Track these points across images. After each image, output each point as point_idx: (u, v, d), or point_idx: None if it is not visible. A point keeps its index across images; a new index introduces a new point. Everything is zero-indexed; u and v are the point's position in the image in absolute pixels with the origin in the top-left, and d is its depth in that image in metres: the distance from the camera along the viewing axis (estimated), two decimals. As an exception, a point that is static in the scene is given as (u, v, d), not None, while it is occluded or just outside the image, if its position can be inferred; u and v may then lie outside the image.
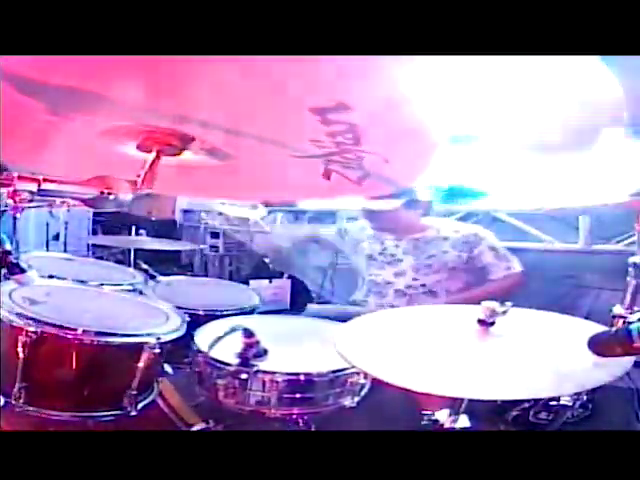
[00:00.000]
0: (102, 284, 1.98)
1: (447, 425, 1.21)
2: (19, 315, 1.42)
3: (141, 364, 1.47)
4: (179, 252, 4.71)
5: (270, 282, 3.35)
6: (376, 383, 1.46)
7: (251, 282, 2.87)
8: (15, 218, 2.11)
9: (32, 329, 1.38)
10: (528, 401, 1.99)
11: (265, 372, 1.40)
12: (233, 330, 1.38)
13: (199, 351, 1.51)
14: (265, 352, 1.44)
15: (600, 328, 0.95)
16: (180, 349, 1.63)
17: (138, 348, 1.48)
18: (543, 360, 1.05)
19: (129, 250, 2.99)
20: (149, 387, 1.60)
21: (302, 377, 1.43)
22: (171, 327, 1.61)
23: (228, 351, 1.41)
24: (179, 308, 1.81)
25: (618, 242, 2.63)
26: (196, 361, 1.54)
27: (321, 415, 1.46)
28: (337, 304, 3.09)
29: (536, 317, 1.27)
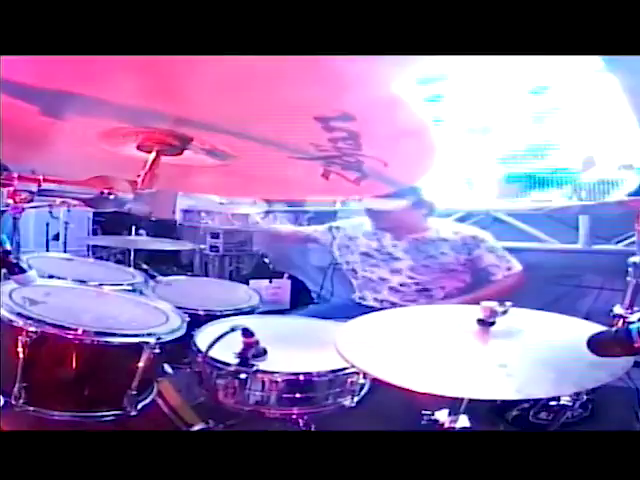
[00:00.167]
0: (102, 284, 1.97)
1: (447, 425, 1.21)
2: (19, 315, 1.42)
3: (141, 364, 1.47)
4: (179, 252, 4.71)
5: (270, 282, 3.36)
6: (376, 383, 1.46)
7: (251, 282, 2.87)
8: (15, 218, 2.10)
9: (32, 329, 1.38)
10: (528, 401, 1.99)
11: (265, 372, 1.40)
12: (232, 330, 1.38)
13: (199, 351, 1.51)
14: (265, 352, 1.43)
15: (600, 328, 0.95)
16: (180, 349, 1.63)
17: (138, 348, 1.48)
18: (543, 360, 1.05)
19: (129, 250, 2.98)
20: (149, 387, 1.60)
21: (302, 377, 1.42)
22: (171, 327, 1.61)
23: (228, 351, 1.41)
24: (179, 308, 1.80)
25: (618, 242, 2.63)
26: (196, 361, 1.53)
27: (321, 415, 1.46)
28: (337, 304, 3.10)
29: (536, 317, 1.27)
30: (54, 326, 1.41)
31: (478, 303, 1.18)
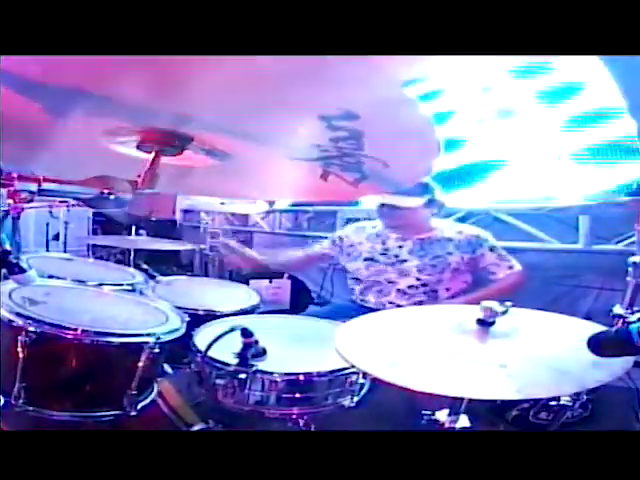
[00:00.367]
0: (102, 284, 1.98)
1: (447, 425, 1.21)
2: (19, 315, 1.42)
3: (141, 364, 1.47)
4: (179, 252, 4.72)
5: (270, 282, 3.36)
6: (376, 383, 1.46)
7: (251, 282, 2.88)
8: (15, 218, 2.11)
9: (32, 329, 1.38)
10: (528, 401, 1.99)
11: (264, 372, 1.40)
12: (232, 330, 1.38)
13: (198, 351, 1.51)
14: (264, 352, 1.44)
15: (600, 328, 0.95)
16: (180, 349, 1.63)
17: (138, 348, 1.48)
18: (543, 360, 1.05)
19: (129, 250, 2.99)
20: (149, 387, 1.60)
21: (301, 377, 1.42)
22: (171, 327, 1.61)
23: (227, 351, 1.41)
24: (179, 308, 1.80)
25: (618, 242, 2.63)
26: (195, 361, 1.53)
27: (320, 415, 1.46)
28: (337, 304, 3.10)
29: (536, 317, 1.27)
30: (54, 326, 1.41)
31: (480, 302, 1.18)
